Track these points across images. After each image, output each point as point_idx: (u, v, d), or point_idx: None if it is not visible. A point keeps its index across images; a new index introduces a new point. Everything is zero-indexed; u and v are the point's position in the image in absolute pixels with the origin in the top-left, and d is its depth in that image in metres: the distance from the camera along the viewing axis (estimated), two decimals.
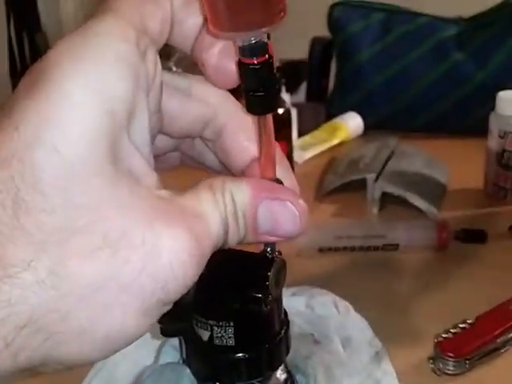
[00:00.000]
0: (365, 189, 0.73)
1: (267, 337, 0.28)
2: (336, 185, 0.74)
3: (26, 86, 0.21)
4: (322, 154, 0.89)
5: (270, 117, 0.26)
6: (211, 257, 0.26)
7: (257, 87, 0.24)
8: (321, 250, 0.60)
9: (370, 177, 0.72)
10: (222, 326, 0.27)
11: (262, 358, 0.28)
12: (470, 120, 0.90)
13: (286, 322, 0.30)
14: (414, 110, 0.92)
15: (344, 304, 0.43)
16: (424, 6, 0.96)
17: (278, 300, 0.29)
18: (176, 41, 0.25)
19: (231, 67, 0.25)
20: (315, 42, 1.02)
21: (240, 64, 0.24)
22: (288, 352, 0.30)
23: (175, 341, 0.32)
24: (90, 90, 0.20)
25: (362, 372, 0.41)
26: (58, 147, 0.19)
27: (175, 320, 0.29)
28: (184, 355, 0.29)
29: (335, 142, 0.91)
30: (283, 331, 0.29)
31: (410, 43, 0.92)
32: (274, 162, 0.27)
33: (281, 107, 0.61)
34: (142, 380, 0.30)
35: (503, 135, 0.68)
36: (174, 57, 1.10)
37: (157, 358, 0.33)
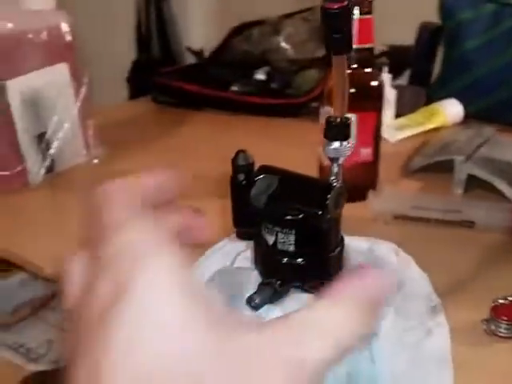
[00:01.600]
0: (452, 172, 0.74)
1: (322, 250, 0.33)
2: (424, 163, 0.76)
3: None
4: (416, 136, 0.91)
5: (344, 58, 0.30)
6: (285, 176, 0.32)
7: (335, 30, 0.29)
8: (396, 218, 0.63)
9: (459, 158, 0.73)
10: (285, 233, 0.32)
11: (315, 267, 0.33)
12: None
13: (341, 244, 0.35)
14: None
15: (406, 255, 0.46)
16: None
17: (336, 221, 0.33)
18: None
19: None
20: (423, 28, 1.03)
21: (322, 9, 0.28)
22: (340, 270, 0.35)
23: (248, 253, 0.37)
24: None
25: (414, 318, 0.44)
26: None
27: (248, 225, 0.34)
28: (253, 258, 0.35)
29: (431, 126, 0.93)
30: (337, 250, 0.34)
31: None
32: (346, 100, 0.32)
33: (375, 80, 0.64)
34: (215, 277, 0.36)
35: None
36: (284, 32, 1.15)
37: (231, 264, 0.38)
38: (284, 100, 1.04)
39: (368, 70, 0.64)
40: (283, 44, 1.13)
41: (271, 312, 0.32)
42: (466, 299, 0.51)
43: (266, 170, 0.34)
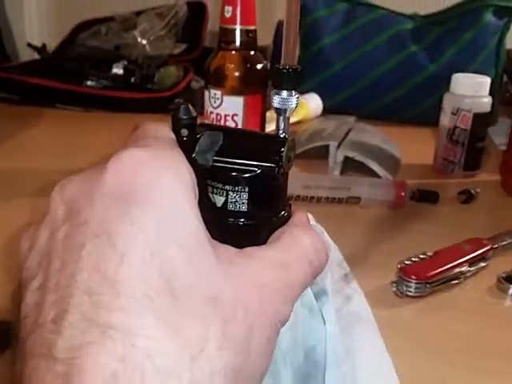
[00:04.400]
0: (325, 158, 0.77)
1: (274, 210, 0.31)
2: (300, 151, 0.78)
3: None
4: None
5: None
6: (229, 132, 0.30)
7: None
8: (288, 199, 0.63)
9: (333, 143, 0.76)
10: (237, 192, 0.30)
11: (268, 226, 0.31)
12: (421, 109, 0.97)
13: (289, 205, 0.33)
14: (369, 96, 0.98)
15: (319, 227, 0.46)
16: (383, 2, 1.03)
17: (286, 180, 0.32)
18: None
19: None
20: (280, 26, 1.06)
21: None
22: None
23: None
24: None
25: (333, 286, 0.44)
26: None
27: None
28: None
29: (295, 119, 0.96)
30: (287, 212, 0.33)
31: (370, 33, 0.98)
32: (297, 45, 0.31)
33: (260, 62, 0.64)
34: None
35: (456, 112, 0.74)
36: (140, 27, 1.11)
37: None
38: (146, 94, 1.00)
39: (252, 52, 0.63)
40: (140, 39, 1.10)
41: None
42: (369, 268, 0.53)
43: (206, 126, 0.31)
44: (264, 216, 0.31)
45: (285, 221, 0.33)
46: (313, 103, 0.98)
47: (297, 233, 0.28)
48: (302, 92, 0.99)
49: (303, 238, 0.27)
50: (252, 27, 0.63)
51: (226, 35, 0.62)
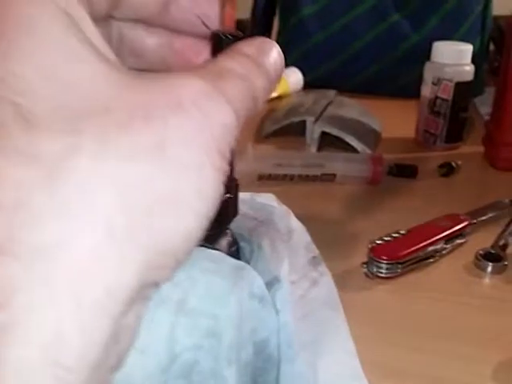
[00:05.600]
0: (304, 134, 0.74)
1: None
2: (276, 127, 0.75)
3: None
4: None
5: None
6: None
7: None
8: (260, 178, 0.60)
9: (310, 119, 0.73)
10: None
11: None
12: (404, 81, 0.93)
13: (234, 186, 0.30)
14: (351, 69, 0.95)
15: (285, 207, 0.44)
16: None
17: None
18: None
19: None
20: None
21: None
22: (235, 215, 0.30)
23: None
24: None
25: (298, 271, 0.42)
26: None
27: None
28: None
29: (274, 94, 0.92)
30: (232, 193, 0.30)
31: (350, 3, 0.94)
32: (234, 12, 0.27)
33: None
34: None
35: (437, 82, 0.71)
36: None
37: None
38: None
39: None
40: None
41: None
42: (341, 248, 0.50)
43: None
44: None
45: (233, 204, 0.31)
46: (292, 78, 0.95)
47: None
48: None
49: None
50: None
51: None
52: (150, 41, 0.26)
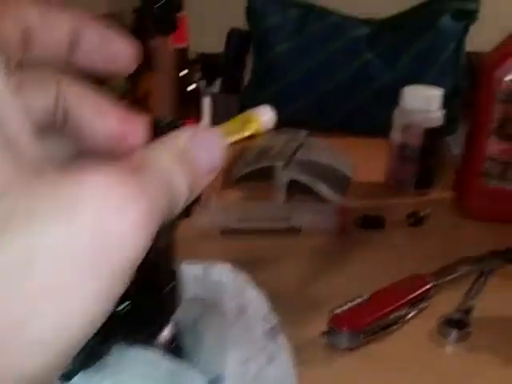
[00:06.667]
0: (273, 178, 0.73)
1: (151, 288, 0.27)
2: (245, 172, 0.74)
3: None
4: (232, 145, 0.88)
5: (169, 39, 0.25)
6: None
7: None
8: (223, 232, 0.59)
9: (278, 164, 0.72)
10: None
11: (144, 311, 0.27)
12: (376, 120, 0.92)
13: (173, 277, 0.29)
14: (324, 106, 0.94)
15: (242, 276, 0.42)
16: (338, 6, 0.98)
17: (167, 247, 0.28)
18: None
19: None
20: (232, 34, 1.02)
21: None
22: (175, 308, 0.29)
23: None
24: None
25: (254, 345, 0.40)
26: None
27: None
28: None
29: (246, 133, 0.91)
30: (171, 285, 0.28)
31: (323, 40, 0.94)
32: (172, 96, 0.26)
33: (192, 83, 0.60)
34: None
35: (405, 129, 0.70)
36: None
37: None
38: None
39: (184, 72, 0.59)
40: None
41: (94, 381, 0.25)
42: (303, 312, 0.49)
43: None
44: (138, 298, 0.27)
45: (172, 299, 0.29)
46: (265, 116, 0.93)
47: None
48: (254, 104, 0.94)
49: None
50: (182, 45, 0.58)
51: None
52: (95, 125, 0.24)
